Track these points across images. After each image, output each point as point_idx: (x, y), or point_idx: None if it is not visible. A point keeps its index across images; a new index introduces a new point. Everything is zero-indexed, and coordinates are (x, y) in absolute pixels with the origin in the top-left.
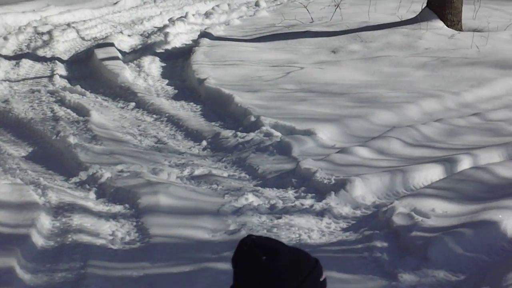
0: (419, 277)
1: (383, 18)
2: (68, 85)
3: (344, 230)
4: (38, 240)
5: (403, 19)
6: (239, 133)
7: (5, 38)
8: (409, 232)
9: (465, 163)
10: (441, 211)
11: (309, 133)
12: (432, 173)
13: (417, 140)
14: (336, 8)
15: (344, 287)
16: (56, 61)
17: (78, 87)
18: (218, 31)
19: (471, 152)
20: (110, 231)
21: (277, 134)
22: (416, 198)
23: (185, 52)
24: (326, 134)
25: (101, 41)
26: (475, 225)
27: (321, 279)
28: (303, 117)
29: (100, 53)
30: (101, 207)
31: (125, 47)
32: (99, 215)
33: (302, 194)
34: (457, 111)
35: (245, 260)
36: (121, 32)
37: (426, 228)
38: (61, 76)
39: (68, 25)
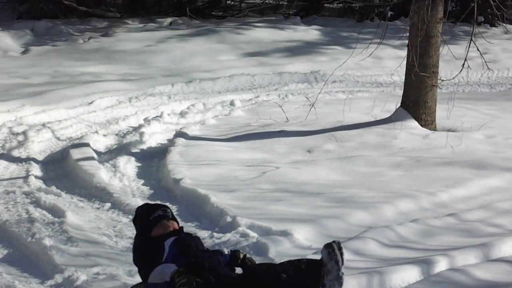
0: None
1: (358, 117)
2: (44, 186)
3: None
4: None
5: (377, 119)
6: (215, 234)
7: None
8: None
9: (441, 265)
10: None
11: (285, 233)
12: (409, 275)
13: (393, 240)
14: (311, 108)
15: None
16: (31, 162)
17: (54, 188)
18: (194, 131)
19: (447, 253)
20: None
21: (254, 234)
22: None
23: (161, 152)
24: (302, 234)
25: (76, 141)
26: None
27: (151, 218)
28: (279, 217)
29: (76, 153)
30: None
31: (101, 146)
32: None
33: None
34: (433, 211)
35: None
36: (96, 132)
37: None
38: (36, 177)
39: (43, 125)
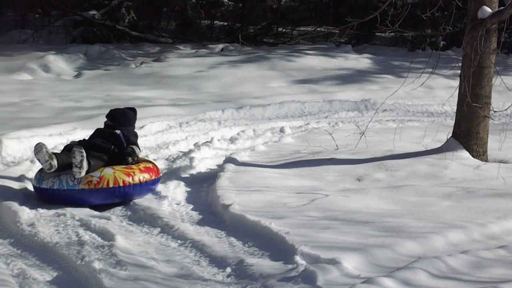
0: None
1: (408, 146)
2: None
3: None
4: None
5: (428, 149)
6: None
7: (32, 161)
8: None
9: None
10: None
11: (333, 262)
12: None
13: (443, 271)
14: (361, 136)
15: None
16: None
17: (104, 211)
18: (243, 157)
19: (498, 286)
20: None
21: (302, 262)
22: None
23: (210, 177)
24: (351, 263)
25: None
26: None
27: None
28: (328, 245)
29: None
30: None
31: None
32: None
33: None
34: (483, 243)
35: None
36: (146, 156)
37: None
38: None
39: None
